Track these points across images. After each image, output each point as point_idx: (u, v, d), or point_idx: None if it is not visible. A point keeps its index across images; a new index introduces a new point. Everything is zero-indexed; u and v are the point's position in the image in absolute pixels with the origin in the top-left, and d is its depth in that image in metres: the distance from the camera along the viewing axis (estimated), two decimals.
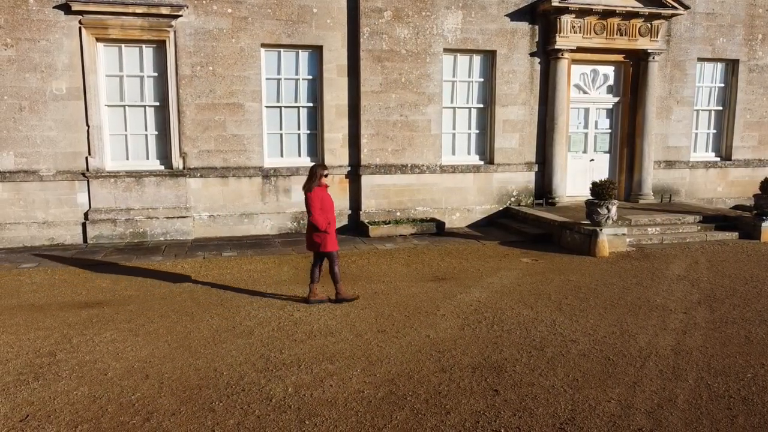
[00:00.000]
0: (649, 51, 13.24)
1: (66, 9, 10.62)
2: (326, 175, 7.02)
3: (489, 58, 12.81)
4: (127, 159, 11.55)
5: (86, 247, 10.91)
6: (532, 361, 5.35)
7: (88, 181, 11.16)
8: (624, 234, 10.56)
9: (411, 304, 7.20)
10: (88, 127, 11.04)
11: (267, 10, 11.55)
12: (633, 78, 13.62)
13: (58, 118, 10.90)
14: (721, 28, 13.99)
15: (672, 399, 4.58)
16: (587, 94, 13.70)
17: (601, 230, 10.24)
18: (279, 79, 12.04)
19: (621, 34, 13.04)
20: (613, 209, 10.38)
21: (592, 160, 13.92)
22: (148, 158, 11.65)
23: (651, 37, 13.21)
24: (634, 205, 13.35)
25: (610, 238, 10.38)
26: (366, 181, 12.35)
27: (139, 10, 10.85)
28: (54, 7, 10.62)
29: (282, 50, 11.93)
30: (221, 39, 11.41)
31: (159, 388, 4.79)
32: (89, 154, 11.11)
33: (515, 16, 12.67)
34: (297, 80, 12.13)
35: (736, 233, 11.55)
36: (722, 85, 14.55)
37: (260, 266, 9.37)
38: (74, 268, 9.21)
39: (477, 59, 12.84)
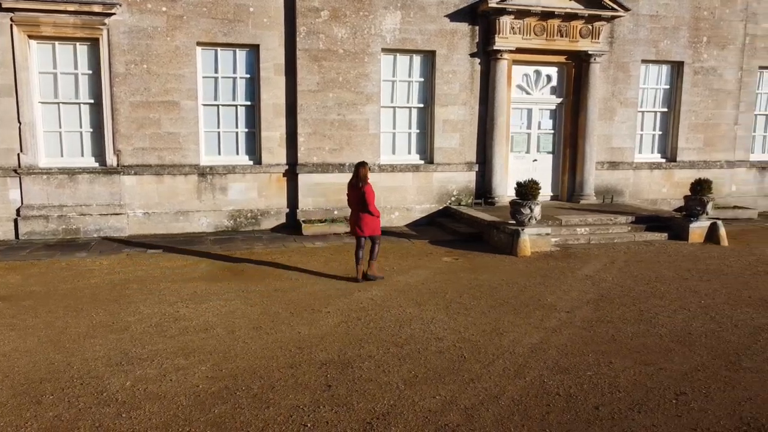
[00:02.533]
0: (590, 52, 13.32)
1: None
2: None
3: (429, 58, 12.88)
4: (62, 156, 11.62)
5: (17, 243, 10.97)
6: (385, 358, 5.43)
7: (20, 178, 11.24)
8: (548, 234, 10.64)
9: (304, 302, 7.29)
10: (20, 123, 11.12)
11: (203, 8, 11.62)
12: (575, 79, 13.70)
13: None
14: (665, 30, 14.07)
15: (498, 396, 4.67)
16: (530, 94, 13.78)
17: (523, 230, 10.32)
18: (216, 78, 12.11)
19: (562, 36, 13.11)
20: (536, 209, 10.47)
21: (535, 160, 14.00)
22: (83, 155, 11.72)
23: (592, 38, 13.28)
24: (574, 205, 13.43)
25: (533, 238, 10.46)
26: (303, 179, 12.43)
27: (71, 8, 10.92)
28: None
29: (219, 49, 12.00)
30: (156, 37, 11.48)
31: (1, 380, 4.86)
32: (21, 150, 11.18)
33: (455, 16, 12.74)
34: (235, 79, 12.20)
35: (666, 234, 11.64)
36: (667, 86, 14.63)
37: (178, 263, 9.45)
38: None
39: (417, 59, 12.91)
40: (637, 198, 14.46)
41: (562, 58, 13.54)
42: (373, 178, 12.00)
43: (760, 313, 6.85)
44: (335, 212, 12.60)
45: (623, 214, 12.17)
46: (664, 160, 14.85)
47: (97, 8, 11.04)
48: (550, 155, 14.15)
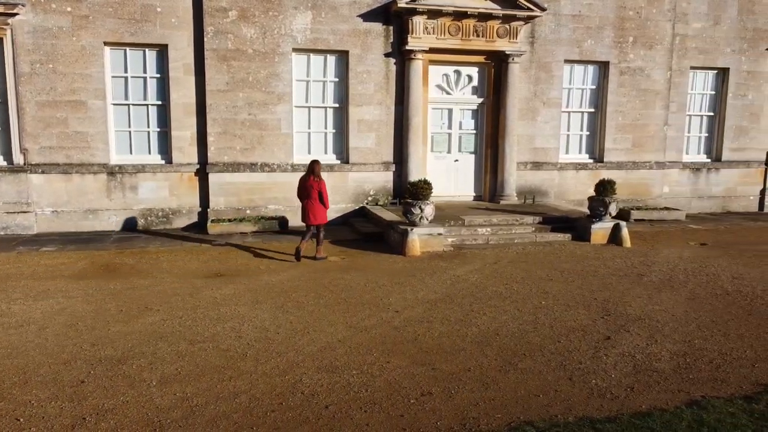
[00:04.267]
0: (508, 52, 13.28)
1: None
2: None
3: (343, 58, 12.90)
4: None
5: None
6: (165, 355, 5.47)
7: None
8: (440, 234, 10.62)
9: (144, 300, 7.34)
10: None
11: (108, 8, 11.71)
12: (495, 79, 13.66)
13: None
14: (589, 30, 14.00)
15: (237, 394, 4.69)
16: (450, 94, 13.76)
17: (412, 230, 10.31)
18: (126, 77, 12.18)
19: (478, 36, 13.08)
20: (427, 209, 10.46)
21: (456, 160, 13.98)
22: None
23: (510, 38, 13.24)
24: (492, 205, 13.40)
25: (425, 238, 10.45)
26: (214, 179, 12.49)
27: None
28: None
29: (128, 49, 12.08)
30: (61, 37, 11.58)
31: None
32: None
33: (368, 16, 12.75)
34: (145, 78, 12.28)
35: (570, 235, 11.58)
36: (594, 87, 14.55)
37: (61, 261, 9.54)
38: None
39: (331, 59, 12.94)
40: (562, 199, 14.39)
41: (481, 58, 13.51)
42: (285, 177, 12.15)
43: (586, 315, 6.80)
44: (247, 211, 12.66)
45: (533, 214, 12.12)
46: (591, 161, 14.77)
47: None
48: (473, 155, 14.11)
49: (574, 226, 11.81)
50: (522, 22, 13.23)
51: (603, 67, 14.38)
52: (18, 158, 11.71)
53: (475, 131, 14.04)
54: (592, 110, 14.64)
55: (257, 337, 6.01)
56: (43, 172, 11.85)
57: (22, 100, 11.57)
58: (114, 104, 12.21)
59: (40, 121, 11.72)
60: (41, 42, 11.51)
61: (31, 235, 11.70)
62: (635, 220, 13.70)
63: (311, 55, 12.82)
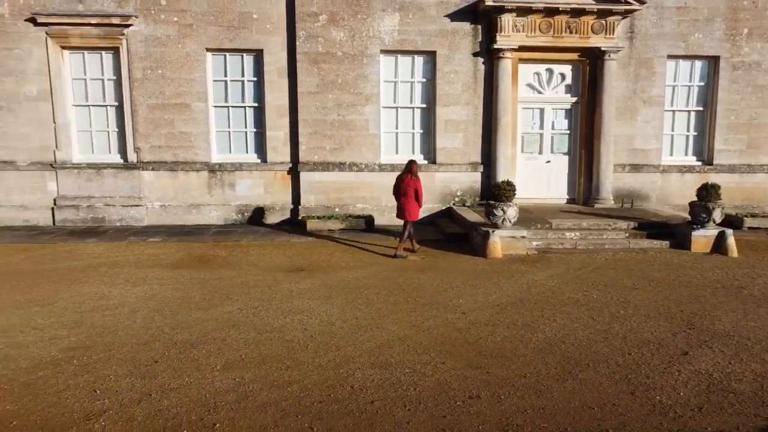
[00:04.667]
0: (603, 49, 12.71)
1: (34, 21, 12.20)
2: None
3: (430, 58, 12.93)
4: (93, 152, 13.01)
5: (51, 228, 12.46)
6: (223, 343, 5.80)
7: (56, 172, 12.73)
8: (524, 237, 10.37)
9: (226, 290, 7.79)
10: (55, 124, 12.59)
11: (210, 17, 12.51)
12: (590, 77, 13.13)
13: (31, 116, 12.55)
14: (696, 23, 13.08)
15: (285, 384, 4.89)
16: (541, 93, 13.38)
17: (493, 232, 10.16)
18: (225, 81, 12.96)
19: (571, 32, 12.64)
20: (510, 211, 10.26)
21: (548, 161, 13.56)
22: (110, 152, 13.04)
23: (606, 34, 12.68)
24: (586, 209, 12.87)
25: (507, 240, 10.26)
26: (304, 177, 12.97)
27: (93, 21, 12.23)
28: (25, 20, 12.25)
29: (227, 54, 12.84)
30: (169, 45, 12.54)
31: None
32: (56, 147, 12.67)
33: (455, 16, 12.70)
34: (243, 82, 13.00)
35: (668, 242, 10.89)
36: (702, 83, 13.56)
37: (163, 251, 10.34)
38: (17, 244, 10.70)
39: (419, 60, 13.01)
40: (665, 203, 13.53)
41: (574, 56, 13.03)
42: (372, 177, 12.42)
43: (666, 327, 6.39)
44: (336, 209, 13.03)
45: (628, 219, 11.52)
46: (699, 163, 13.78)
47: (116, 20, 12.27)
48: (566, 156, 13.63)
49: (674, 233, 11.08)
50: (619, 17, 12.59)
51: (712, 62, 13.36)
52: (132, 156, 12.80)
53: (568, 131, 13.54)
54: (700, 109, 13.64)
55: (321, 331, 6.20)
56: (152, 169, 12.86)
57: (135, 103, 12.63)
58: (215, 106, 13.00)
59: (150, 122, 12.73)
60: (152, 50, 12.50)
61: (142, 226, 12.73)
62: (749, 228, 12.60)
63: (399, 56, 12.96)
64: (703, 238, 10.53)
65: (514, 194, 10.40)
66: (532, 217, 11.54)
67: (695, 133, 13.81)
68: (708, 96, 13.56)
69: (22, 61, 12.36)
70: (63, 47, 12.46)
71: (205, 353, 5.53)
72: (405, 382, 4.93)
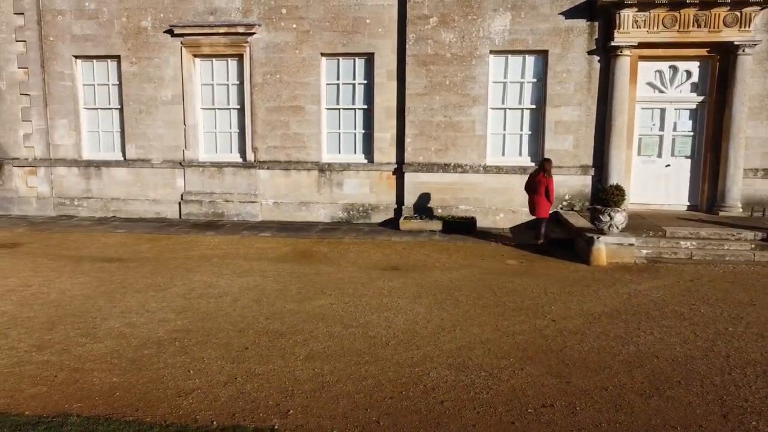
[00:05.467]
0: (737, 43, 11.71)
1: (171, 33, 13.45)
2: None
3: (542, 58, 12.63)
4: (216, 152, 14.09)
5: (177, 221, 13.69)
6: (310, 336, 6.10)
7: (184, 169, 13.96)
8: (631, 244, 9.84)
9: (322, 284, 8.16)
10: (185, 126, 13.79)
11: (326, 23, 13.09)
12: (720, 74, 12.14)
13: (165, 118, 13.85)
14: None
15: (352, 376, 5.07)
16: (663, 92, 12.58)
17: (598, 238, 9.76)
18: (338, 84, 13.49)
19: (699, 26, 11.77)
20: (618, 216, 9.79)
21: (668, 165, 12.73)
22: (231, 152, 14.06)
23: (740, 26, 11.66)
24: (709, 216, 11.92)
25: (613, 248, 9.81)
26: (409, 178, 13.18)
27: (221, 30, 13.25)
28: (163, 32, 13.53)
29: (341, 58, 13.36)
30: (286, 50, 13.28)
31: (54, 309, 6.72)
32: (185, 147, 13.88)
33: (570, 13, 12.30)
34: (354, 84, 13.46)
35: None
36: None
37: (271, 245, 11.01)
38: (146, 234, 11.89)
39: (529, 60, 12.75)
40: None
41: (703, 51, 12.11)
42: (476, 179, 12.41)
43: None
44: (438, 210, 13.10)
45: (756, 229, 10.55)
46: None
47: (241, 29, 13.19)
48: (688, 160, 12.70)
49: None
50: (758, 7, 11.52)
51: None
52: (249, 156, 13.69)
53: (692, 133, 12.60)
54: None
55: (404, 329, 6.32)
56: (268, 168, 13.67)
57: (255, 106, 13.49)
58: (327, 108, 13.55)
59: (267, 124, 13.54)
60: (271, 56, 13.29)
61: (256, 222, 13.58)
62: None
63: (509, 56, 12.75)
64: None
65: (623, 199, 9.89)
66: (645, 224, 10.90)
67: None
68: None
69: (160, 68, 13.65)
70: (195, 55, 13.59)
71: (291, 343, 5.85)
72: (478, 385, 4.92)
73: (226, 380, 4.95)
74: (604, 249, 9.69)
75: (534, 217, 11.45)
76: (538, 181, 10.70)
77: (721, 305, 7.32)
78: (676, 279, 8.66)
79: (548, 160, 10.84)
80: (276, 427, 4.18)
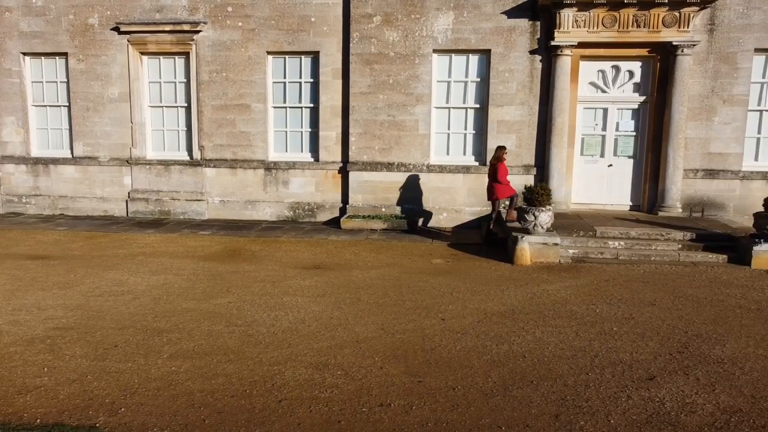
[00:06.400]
0: (675, 43, 11.70)
1: (118, 30, 13.44)
2: (506, 152, 11.18)
3: (485, 57, 12.61)
4: (164, 150, 14.08)
5: (124, 219, 13.69)
6: (190, 330, 6.09)
7: (131, 167, 13.94)
8: (556, 244, 9.83)
9: (233, 283, 8.16)
10: (132, 124, 13.78)
11: (271, 21, 13.08)
12: (661, 74, 12.13)
13: (112, 116, 13.84)
14: None
15: (162, 377, 5.06)
16: (606, 92, 12.57)
17: (522, 237, 9.75)
18: (284, 83, 13.48)
19: (638, 26, 11.76)
20: (542, 216, 9.79)
21: (611, 165, 12.71)
22: (179, 150, 14.05)
23: (679, 27, 11.66)
24: (647, 216, 11.91)
25: (538, 247, 9.80)
26: (353, 177, 13.17)
27: (167, 28, 13.24)
28: (110, 29, 13.52)
29: (287, 56, 13.35)
30: (233, 48, 13.27)
31: None
32: (132, 145, 13.87)
33: (513, 12, 12.29)
34: (300, 83, 13.45)
35: (726, 256, 9.82)
36: None
37: (204, 244, 11.01)
38: (85, 232, 11.88)
39: (473, 59, 12.73)
40: (744, 214, 12.17)
41: (644, 51, 12.10)
42: (421, 178, 12.35)
43: (653, 349, 5.79)
44: (383, 209, 13.09)
45: (687, 229, 10.54)
46: None
47: (187, 27, 13.18)
48: (631, 160, 12.69)
49: (736, 246, 9.95)
50: (696, 8, 11.50)
51: None
52: (196, 154, 13.69)
53: (634, 133, 12.60)
54: None
55: (287, 328, 6.31)
56: (214, 167, 13.66)
57: (201, 104, 13.48)
58: (274, 107, 13.53)
59: (213, 122, 13.53)
60: (218, 54, 13.28)
61: (202, 220, 13.58)
62: None
63: (453, 55, 12.74)
64: (766, 253, 9.35)
65: (549, 199, 9.89)
66: (578, 224, 10.89)
67: None
68: None
69: (107, 66, 13.64)
70: (142, 53, 13.57)
71: (164, 341, 5.84)
72: (328, 384, 4.91)
73: (75, 378, 4.95)
74: (528, 248, 9.69)
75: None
76: (491, 166, 11.12)
77: (621, 305, 7.31)
78: (592, 279, 8.66)
79: (500, 147, 11.15)
80: (98, 425, 4.17)
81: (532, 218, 9.76)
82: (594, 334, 6.22)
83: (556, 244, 9.81)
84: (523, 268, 9.34)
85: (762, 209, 9.74)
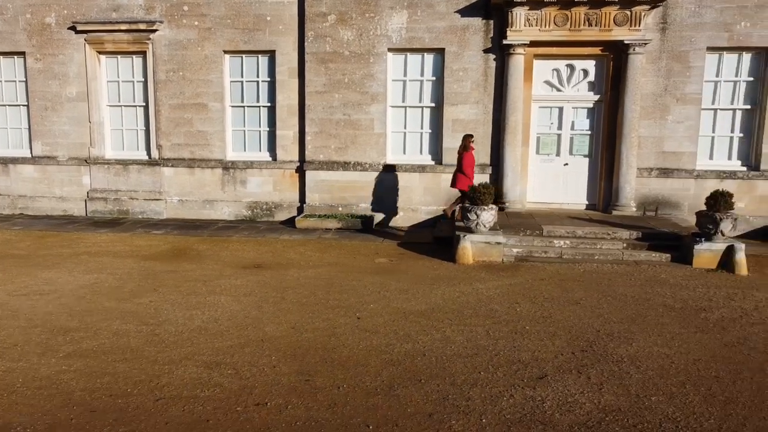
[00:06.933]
0: (627, 42, 11.68)
1: (74, 29, 13.40)
2: (473, 141, 11.11)
3: (439, 56, 12.58)
4: (123, 149, 14.04)
5: (83, 218, 13.64)
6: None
7: (90, 167, 13.90)
8: (499, 243, 9.81)
9: (164, 282, 8.13)
10: (90, 123, 13.74)
11: (227, 20, 13.04)
12: (614, 73, 12.11)
13: (71, 115, 13.80)
14: (743, 10, 11.64)
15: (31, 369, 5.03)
16: (561, 91, 12.55)
17: (464, 236, 9.73)
18: (242, 82, 13.44)
19: (590, 25, 11.74)
20: (485, 215, 9.76)
21: (566, 164, 12.69)
22: (138, 149, 14.01)
23: (631, 25, 11.63)
24: (597, 215, 11.88)
25: (481, 246, 9.78)
26: (310, 176, 13.14)
27: (123, 27, 13.20)
28: (67, 29, 13.47)
29: (244, 56, 13.31)
30: (189, 48, 13.23)
31: None
32: (91, 144, 13.82)
33: (466, 11, 12.26)
34: (257, 82, 13.41)
35: (670, 255, 9.81)
36: (751, 79, 12.02)
37: (152, 243, 10.97)
38: (38, 231, 11.85)
39: (428, 58, 12.71)
40: None
41: (597, 50, 12.08)
42: (378, 177, 12.31)
43: (555, 348, 5.76)
44: (339, 208, 13.06)
45: (634, 228, 10.52)
46: (744, 169, 12.23)
47: (143, 26, 13.15)
48: (586, 159, 12.67)
49: (680, 245, 9.93)
50: (647, 7, 11.48)
51: (764, 54, 11.79)
52: (154, 153, 13.65)
53: (590, 132, 12.57)
54: (748, 107, 12.08)
55: (198, 327, 6.28)
56: (172, 166, 13.62)
57: (159, 103, 13.44)
58: (231, 106, 13.50)
59: (171, 121, 13.49)
60: (174, 53, 13.24)
61: (160, 219, 13.54)
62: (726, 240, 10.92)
63: (408, 54, 12.71)
64: (707, 252, 9.35)
65: (492, 198, 9.87)
66: (527, 223, 10.87)
67: (741, 135, 12.24)
68: (757, 93, 11.98)
69: (65, 65, 13.60)
70: (99, 52, 13.54)
71: (67, 340, 5.81)
72: (213, 383, 4.89)
73: None
74: (470, 247, 9.66)
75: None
76: (458, 155, 11.15)
77: (545, 304, 7.29)
78: (528, 278, 8.63)
79: (466, 136, 11.15)
80: None
81: (475, 217, 9.74)
82: (504, 333, 6.20)
83: (499, 243, 9.79)
84: (464, 267, 9.32)
85: (704, 208, 9.70)
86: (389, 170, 12.83)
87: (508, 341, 5.96)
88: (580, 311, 7.00)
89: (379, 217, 12.77)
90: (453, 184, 11.22)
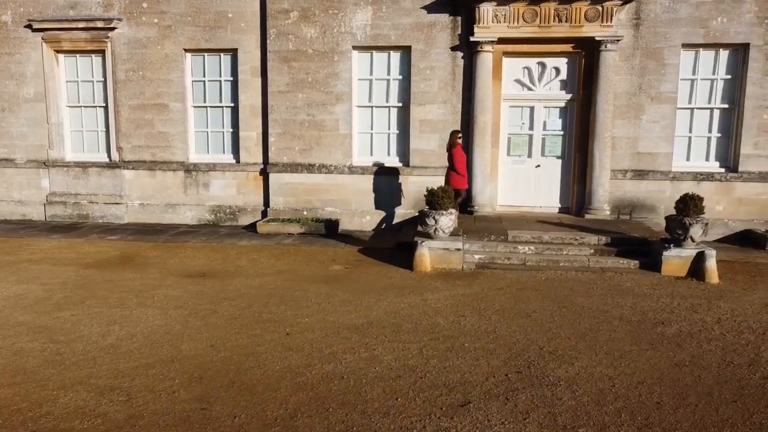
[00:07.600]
0: (598, 38, 11.21)
1: (31, 28, 12.94)
2: (460, 137, 10.94)
3: (406, 54, 12.12)
4: (83, 151, 13.58)
5: (41, 223, 13.19)
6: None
7: (48, 170, 13.45)
8: (459, 249, 9.33)
9: (97, 293, 7.67)
10: (49, 124, 13.28)
11: (188, 17, 12.58)
12: (587, 71, 11.64)
13: (28, 116, 13.35)
14: (719, 5, 11.17)
15: None
16: (532, 90, 12.08)
17: (422, 243, 9.26)
18: (204, 81, 12.98)
19: (560, 21, 11.27)
20: (443, 220, 9.29)
21: (538, 166, 12.22)
22: (98, 151, 13.55)
23: (602, 21, 11.17)
24: (568, 219, 11.43)
25: (440, 253, 9.31)
26: (273, 179, 12.68)
27: (81, 25, 12.75)
28: (24, 27, 13.02)
29: (205, 54, 12.85)
30: (149, 46, 12.77)
31: None
32: (50, 147, 13.36)
33: (432, 7, 11.79)
34: (220, 82, 12.95)
35: (638, 261, 9.33)
36: (729, 77, 11.55)
37: (100, 249, 10.52)
38: None
39: (395, 56, 12.25)
40: None
41: (568, 47, 11.61)
42: (344, 180, 11.90)
43: (488, 369, 5.29)
44: (304, 212, 12.60)
45: (604, 233, 10.04)
46: (722, 170, 11.77)
47: (100, 24, 12.69)
48: (559, 161, 12.20)
49: (650, 251, 9.46)
50: (619, 2, 11.02)
51: (741, 51, 11.31)
52: (114, 155, 13.19)
53: (562, 132, 12.10)
54: (725, 106, 11.60)
55: (109, 345, 5.82)
56: (133, 168, 13.17)
57: (118, 104, 12.99)
58: (194, 107, 13.04)
59: (131, 122, 13.03)
60: (134, 52, 12.78)
61: (120, 224, 13.08)
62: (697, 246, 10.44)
63: (374, 52, 12.25)
64: (676, 259, 8.87)
65: (451, 202, 9.39)
66: (493, 228, 10.41)
67: (719, 135, 11.76)
68: (735, 91, 11.50)
69: (22, 64, 13.15)
70: (57, 51, 13.08)
71: None
72: (98, 413, 4.43)
73: None
74: (428, 254, 9.20)
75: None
76: (447, 153, 10.98)
77: (493, 317, 6.83)
78: (484, 287, 8.17)
79: (453, 132, 10.98)
80: None
81: (433, 222, 9.27)
82: (439, 351, 5.73)
83: (458, 250, 9.32)
84: (420, 276, 8.86)
85: (674, 212, 9.22)
86: (355, 172, 12.36)
87: (440, 360, 5.48)
88: (528, 325, 6.52)
89: (345, 221, 12.30)
90: (447, 184, 10.69)
